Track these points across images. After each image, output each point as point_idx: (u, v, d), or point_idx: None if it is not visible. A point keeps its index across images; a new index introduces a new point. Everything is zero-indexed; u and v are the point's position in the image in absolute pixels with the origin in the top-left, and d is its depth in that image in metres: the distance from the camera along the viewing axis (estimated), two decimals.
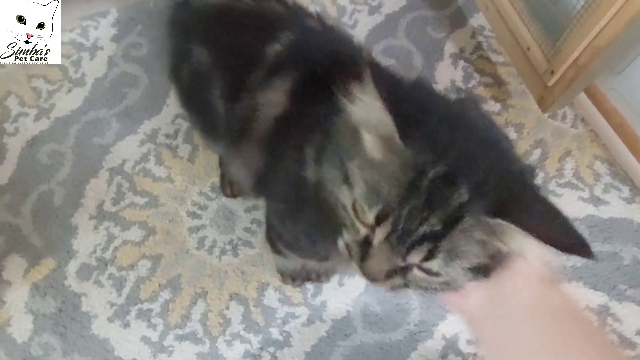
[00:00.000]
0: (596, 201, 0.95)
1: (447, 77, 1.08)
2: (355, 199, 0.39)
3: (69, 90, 1.04)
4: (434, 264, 0.38)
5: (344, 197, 0.40)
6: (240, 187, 0.92)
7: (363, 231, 0.40)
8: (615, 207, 0.94)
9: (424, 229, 0.36)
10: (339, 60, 0.55)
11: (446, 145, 0.37)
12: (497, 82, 1.07)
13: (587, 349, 0.38)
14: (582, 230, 0.91)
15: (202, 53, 0.67)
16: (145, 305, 0.85)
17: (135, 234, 0.91)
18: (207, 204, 0.93)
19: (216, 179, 0.95)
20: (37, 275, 0.88)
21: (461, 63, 1.09)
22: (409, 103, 0.39)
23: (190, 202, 0.94)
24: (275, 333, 0.83)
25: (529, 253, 0.36)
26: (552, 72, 0.83)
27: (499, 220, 0.35)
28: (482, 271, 0.39)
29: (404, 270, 0.40)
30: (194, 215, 0.92)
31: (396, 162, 0.37)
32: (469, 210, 0.35)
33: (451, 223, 0.36)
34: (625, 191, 0.96)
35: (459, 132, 0.38)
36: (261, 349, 0.82)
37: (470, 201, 0.36)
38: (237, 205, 0.93)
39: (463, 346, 0.83)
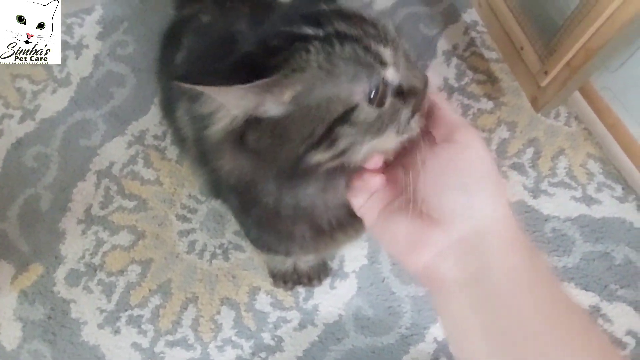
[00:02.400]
0: (589, 200, 0.94)
1: (439, 75, 1.06)
2: (354, 101, 0.35)
3: (54, 91, 1.02)
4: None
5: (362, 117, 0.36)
6: None
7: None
8: (608, 206, 0.94)
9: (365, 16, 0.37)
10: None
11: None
12: (490, 79, 1.06)
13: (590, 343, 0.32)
14: (574, 230, 0.92)
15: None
16: (136, 311, 0.85)
17: (124, 238, 0.90)
18: (196, 207, 0.92)
19: None
20: (25, 282, 0.86)
21: (454, 60, 1.08)
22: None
23: (180, 205, 0.92)
24: (267, 338, 0.83)
25: None
26: (546, 73, 0.82)
27: None
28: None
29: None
30: (183, 218, 0.91)
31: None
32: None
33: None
34: (618, 190, 0.95)
35: None
36: (253, 354, 0.82)
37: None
38: (227, 208, 0.92)
39: None
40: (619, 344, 0.85)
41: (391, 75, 0.35)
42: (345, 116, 0.35)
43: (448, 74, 1.06)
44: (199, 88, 0.33)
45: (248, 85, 0.33)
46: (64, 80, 1.03)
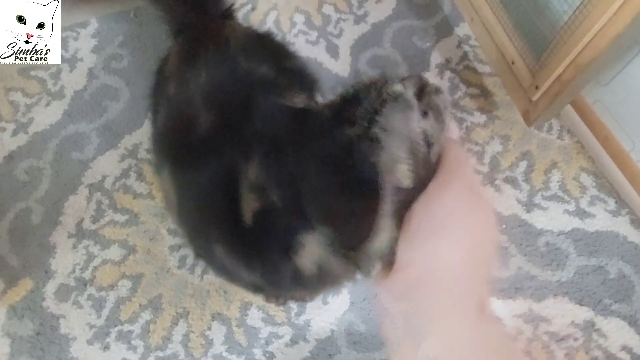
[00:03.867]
0: (582, 214, 0.94)
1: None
2: None
3: (48, 104, 1.02)
4: None
5: None
6: None
7: None
8: (601, 220, 0.94)
9: None
10: None
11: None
12: (483, 93, 1.06)
13: None
14: (568, 244, 0.91)
15: None
16: (126, 327, 0.84)
17: (115, 252, 0.89)
18: None
19: None
20: (14, 297, 0.86)
21: (447, 73, 1.08)
22: None
23: (171, 219, 0.92)
24: (258, 354, 0.82)
25: None
26: (537, 87, 0.82)
27: None
28: None
29: None
30: (175, 232, 0.91)
31: None
32: None
33: None
34: (611, 204, 0.95)
35: None
36: None
37: None
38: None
39: None
40: (614, 359, 0.84)
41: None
42: None
43: (441, 87, 1.06)
44: None
45: None
46: (57, 93, 1.03)
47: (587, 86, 0.90)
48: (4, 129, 1.00)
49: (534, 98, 0.83)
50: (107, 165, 0.96)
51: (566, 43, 0.73)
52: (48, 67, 1.06)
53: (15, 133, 0.99)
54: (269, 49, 0.74)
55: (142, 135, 0.99)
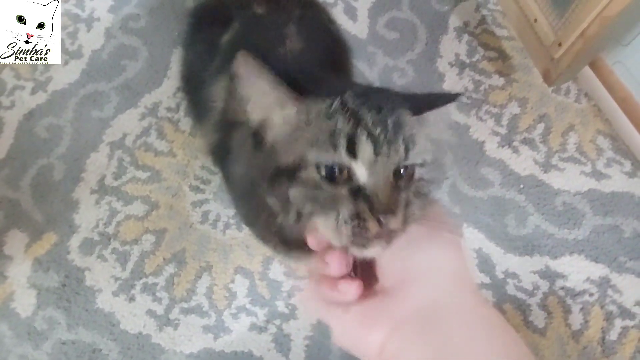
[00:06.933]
0: (598, 175, 0.95)
1: (451, 50, 1.06)
2: (316, 160, 0.36)
3: (66, 63, 1.02)
4: (414, 155, 0.37)
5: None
6: None
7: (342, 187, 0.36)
8: (617, 181, 0.95)
9: (390, 123, 0.37)
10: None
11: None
12: (501, 56, 1.06)
13: None
14: (584, 204, 0.93)
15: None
16: (150, 279, 0.85)
17: (138, 208, 0.90)
18: (209, 177, 0.92)
19: None
20: (39, 250, 0.87)
21: (465, 37, 1.08)
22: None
23: (193, 176, 0.93)
24: (281, 306, 0.84)
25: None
26: (560, 45, 0.82)
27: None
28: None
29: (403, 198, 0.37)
30: (196, 189, 0.91)
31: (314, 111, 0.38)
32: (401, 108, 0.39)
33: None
34: (627, 165, 0.96)
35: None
36: (267, 321, 0.83)
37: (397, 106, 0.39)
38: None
39: None
40: (628, 314, 0.86)
41: (360, 172, 0.35)
42: (294, 169, 0.37)
43: (459, 50, 1.06)
44: (261, 69, 0.37)
45: (280, 85, 0.38)
46: (75, 52, 1.03)
47: (608, 47, 0.90)
48: (22, 87, 0.99)
49: (557, 55, 0.83)
50: (128, 123, 0.97)
51: None
52: (65, 26, 1.05)
53: (34, 91, 0.99)
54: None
55: (162, 94, 0.99)
